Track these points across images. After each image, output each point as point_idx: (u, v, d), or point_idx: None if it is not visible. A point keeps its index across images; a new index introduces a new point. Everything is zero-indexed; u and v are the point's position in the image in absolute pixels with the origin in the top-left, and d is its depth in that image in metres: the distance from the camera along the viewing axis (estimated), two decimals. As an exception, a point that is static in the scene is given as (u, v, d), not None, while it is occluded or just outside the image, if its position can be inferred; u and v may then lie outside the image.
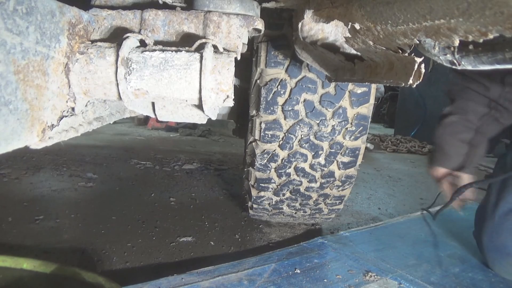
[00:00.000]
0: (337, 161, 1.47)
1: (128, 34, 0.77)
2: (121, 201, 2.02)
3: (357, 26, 0.73)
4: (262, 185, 1.53)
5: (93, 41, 0.80)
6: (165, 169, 2.76)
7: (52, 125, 0.71)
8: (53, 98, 0.70)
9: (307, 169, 1.47)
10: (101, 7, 0.90)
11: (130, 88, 0.75)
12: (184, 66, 0.74)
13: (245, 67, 1.53)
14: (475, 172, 1.54)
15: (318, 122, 1.37)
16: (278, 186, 1.54)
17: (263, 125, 1.39)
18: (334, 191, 1.57)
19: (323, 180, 1.51)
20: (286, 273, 1.31)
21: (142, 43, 0.80)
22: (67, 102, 0.75)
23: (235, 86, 0.89)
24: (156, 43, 0.83)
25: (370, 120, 1.41)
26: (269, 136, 1.40)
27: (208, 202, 2.15)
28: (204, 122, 0.94)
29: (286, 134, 1.40)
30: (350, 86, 1.33)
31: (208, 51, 0.74)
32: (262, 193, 1.57)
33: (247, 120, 1.55)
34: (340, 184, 1.54)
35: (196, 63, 0.74)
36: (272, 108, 1.36)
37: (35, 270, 1.19)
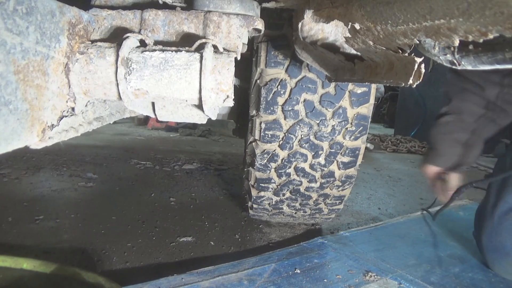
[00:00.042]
0: (337, 161, 1.47)
1: (128, 34, 0.77)
2: (121, 201, 2.02)
3: (357, 26, 0.73)
4: (262, 185, 1.53)
5: (93, 41, 0.80)
6: (165, 169, 2.76)
7: (52, 125, 0.71)
8: (53, 98, 0.70)
9: (307, 169, 1.47)
10: (101, 7, 0.90)
11: (130, 88, 0.75)
12: (184, 66, 0.74)
13: (245, 67, 1.53)
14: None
15: (318, 122, 1.37)
16: (278, 186, 1.54)
17: (263, 125, 1.39)
18: (334, 191, 1.57)
19: (323, 180, 1.51)
20: (286, 273, 1.31)
21: (142, 43, 0.80)
22: (67, 102, 0.75)
23: (235, 86, 0.89)
24: (156, 43, 0.83)
25: (370, 120, 1.41)
26: (269, 136, 1.40)
27: (208, 202, 2.15)
28: (204, 122, 0.94)
29: (286, 134, 1.40)
30: (350, 86, 1.33)
31: (208, 51, 0.74)
32: (262, 193, 1.57)
33: (247, 120, 1.55)
34: (340, 184, 1.54)
35: (196, 63, 0.74)
36: (272, 108, 1.36)
37: (35, 270, 1.19)
